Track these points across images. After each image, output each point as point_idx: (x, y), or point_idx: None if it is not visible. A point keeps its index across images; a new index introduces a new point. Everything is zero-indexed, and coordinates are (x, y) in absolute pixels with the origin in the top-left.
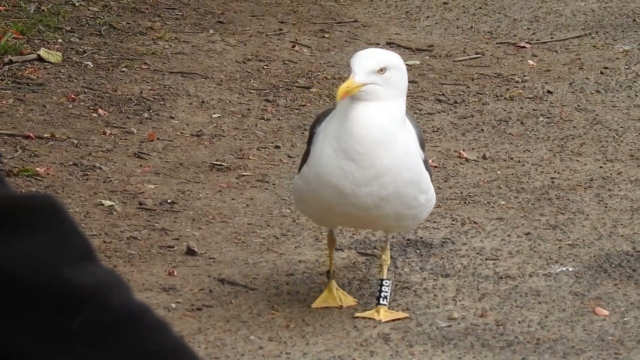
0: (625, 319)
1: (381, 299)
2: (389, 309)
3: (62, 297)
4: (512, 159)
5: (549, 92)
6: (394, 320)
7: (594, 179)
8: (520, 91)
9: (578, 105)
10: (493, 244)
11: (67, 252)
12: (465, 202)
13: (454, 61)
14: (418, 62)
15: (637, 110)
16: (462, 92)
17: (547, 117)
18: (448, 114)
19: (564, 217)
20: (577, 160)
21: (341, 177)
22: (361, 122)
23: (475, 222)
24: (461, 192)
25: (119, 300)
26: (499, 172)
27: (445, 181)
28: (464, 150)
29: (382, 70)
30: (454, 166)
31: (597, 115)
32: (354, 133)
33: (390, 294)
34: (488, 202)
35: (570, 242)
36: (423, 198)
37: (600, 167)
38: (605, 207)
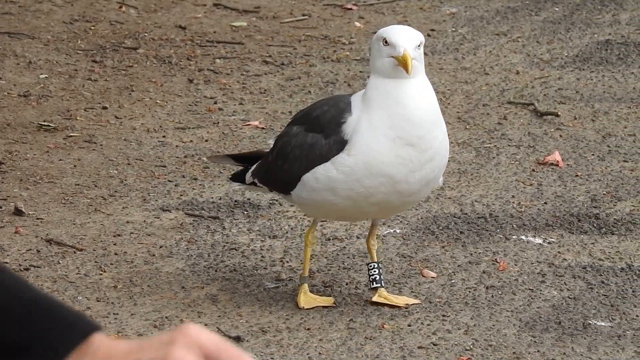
0: (452, 281)
1: (374, 283)
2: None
3: None
4: None
5: None
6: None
7: None
8: (347, 53)
9: None
10: None
11: None
12: None
13: (281, 23)
14: (245, 24)
15: (464, 73)
16: (289, 54)
17: None
18: (275, 76)
19: None
20: None
21: (398, 164)
22: (416, 105)
23: None
24: None
25: None
26: None
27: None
28: (291, 112)
29: (419, 46)
30: (281, 127)
31: None
32: (411, 117)
33: (380, 274)
34: None
35: None
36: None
37: None
38: None
